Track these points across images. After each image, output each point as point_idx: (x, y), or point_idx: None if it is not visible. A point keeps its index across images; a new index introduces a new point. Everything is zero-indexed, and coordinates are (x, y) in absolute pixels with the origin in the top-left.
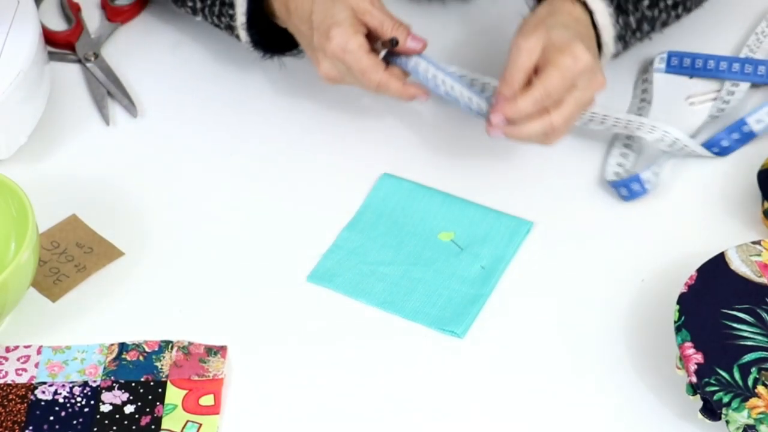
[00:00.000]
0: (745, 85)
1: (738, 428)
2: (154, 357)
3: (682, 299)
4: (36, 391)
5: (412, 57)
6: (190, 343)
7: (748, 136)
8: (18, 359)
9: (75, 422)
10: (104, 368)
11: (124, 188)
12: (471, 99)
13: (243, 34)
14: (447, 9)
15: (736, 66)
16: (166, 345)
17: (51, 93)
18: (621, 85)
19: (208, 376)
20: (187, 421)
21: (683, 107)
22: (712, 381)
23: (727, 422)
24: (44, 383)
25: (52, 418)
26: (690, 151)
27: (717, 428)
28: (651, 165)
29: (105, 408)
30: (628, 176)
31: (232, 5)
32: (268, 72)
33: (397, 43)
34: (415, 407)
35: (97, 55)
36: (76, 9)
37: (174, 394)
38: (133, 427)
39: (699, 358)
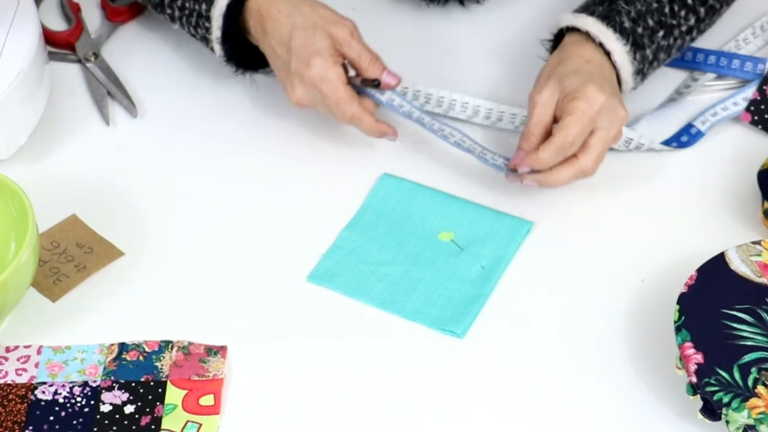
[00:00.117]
0: (706, 77)
1: (738, 428)
2: (154, 357)
3: (682, 299)
4: (36, 391)
5: (386, 91)
6: (190, 343)
7: (696, 137)
8: (18, 359)
9: (75, 422)
10: (104, 368)
11: (124, 188)
12: (443, 130)
13: (217, 47)
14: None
15: (712, 59)
16: (166, 345)
17: (51, 93)
18: None
19: (208, 376)
20: (187, 421)
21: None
22: (712, 381)
23: (727, 422)
24: (44, 383)
25: (52, 418)
26: (647, 149)
27: (717, 428)
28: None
29: (105, 408)
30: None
31: (208, 18)
32: (268, 72)
33: (379, 84)
34: (415, 407)
35: (97, 55)
36: (76, 9)
37: (174, 394)
38: (133, 427)
39: (699, 358)
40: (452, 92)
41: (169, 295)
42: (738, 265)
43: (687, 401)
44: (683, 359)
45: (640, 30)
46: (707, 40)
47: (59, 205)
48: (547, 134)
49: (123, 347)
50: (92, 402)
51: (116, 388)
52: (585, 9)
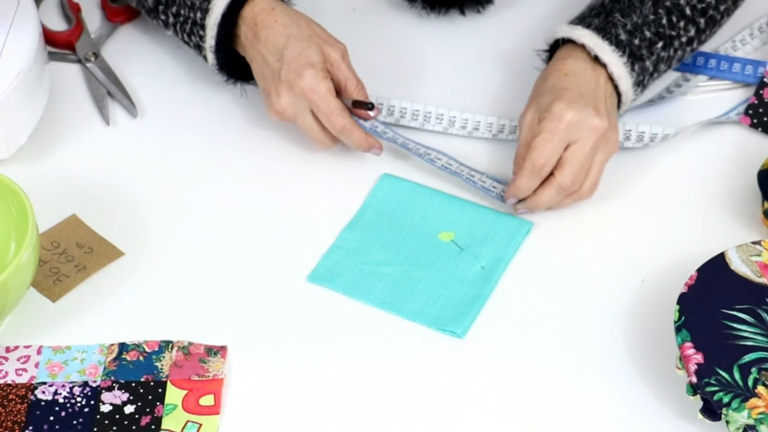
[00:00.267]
0: (699, 78)
1: (738, 428)
2: (154, 357)
3: (682, 299)
4: (36, 391)
5: (368, 121)
6: (190, 343)
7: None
8: (18, 359)
9: (75, 422)
10: (104, 368)
11: (124, 188)
12: (429, 154)
13: (210, 56)
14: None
15: (712, 62)
16: (166, 345)
17: (51, 93)
18: None
19: (208, 376)
20: (187, 421)
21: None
22: (712, 381)
23: (727, 422)
24: (44, 383)
25: (52, 418)
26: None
27: (717, 428)
28: None
29: (105, 408)
30: None
31: (203, 27)
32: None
33: (372, 107)
34: (415, 407)
35: (97, 55)
36: (76, 9)
37: (174, 394)
38: (133, 427)
39: (699, 358)
40: (426, 105)
41: (169, 295)
42: (738, 265)
43: (687, 401)
44: (683, 359)
45: (637, 42)
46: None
47: (59, 205)
48: None
49: (123, 347)
50: (92, 402)
51: (116, 388)
52: (581, 21)
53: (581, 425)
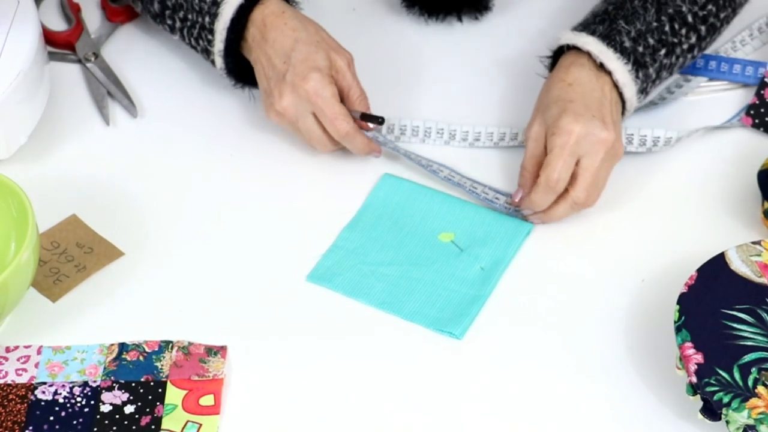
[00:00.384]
0: (698, 80)
1: (738, 428)
2: (154, 357)
3: (682, 299)
4: (36, 391)
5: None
6: (190, 343)
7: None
8: (18, 359)
9: (75, 422)
10: (104, 368)
11: (124, 188)
12: (431, 165)
13: (219, 60)
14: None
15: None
16: (166, 345)
17: (51, 93)
18: None
19: (208, 376)
20: (187, 421)
21: None
22: (712, 381)
23: (727, 422)
24: (44, 383)
25: (52, 418)
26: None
27: (717, 428)
28: None
29: (105, 408)
30: None
31: (211, 31)
32: None
33: (383, 121)
34: (415, 407)
35: (97, 55)
36: (76, 9)
37: (174, 394)
38: (133, 427)
39: (699, 358)
40: (426, 121)
41: (169, 295)
42: (738, 265)
43: (687, 401)
44: (683, 359)
45: (641, 49)
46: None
47: (59, 205)
48: (540, 167)
49: (123, 347)
50: (92, 402)
51: (116, 388)
52: (585, 27)
53: (581, 425)
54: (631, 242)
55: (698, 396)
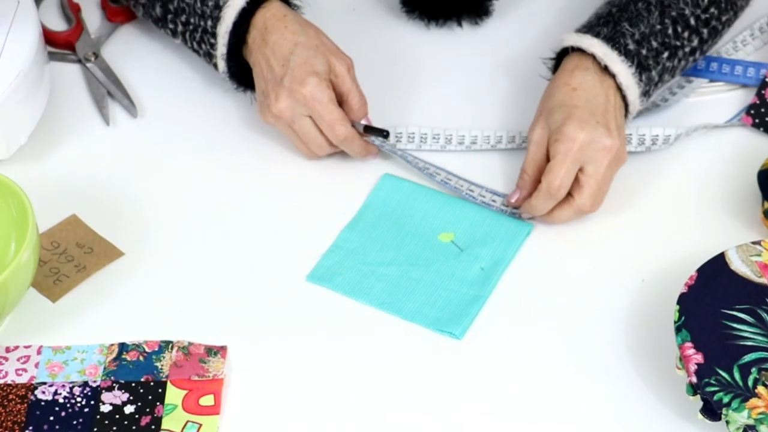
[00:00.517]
0: (699, 81)
1: (738, 428)
2: (154, 357)
3: (682, 299)
4: (36, 392)
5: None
6: (190, 343)
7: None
8: (18, 359)
9: (75, 422)
10: (104, 368)
11: (124, 188)
12: (428, 168)
13: (221, 64)
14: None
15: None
16: (166, 345)
17: (51, 93)
18: None
19: (208, 376)
20: (187, 422)
21: None
22: (712, 381)
23: (727, 422)
24: (44, 383)
25: (52, 418)
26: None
27: (717, 428)
28: None
29: (105, 408)
30: None
31: (214, 35)
32: None
33: (387, 135)
34: (414, 407)
35: (97, 55)
36: (76, 9)
37: (174, 395)
38: (133, 428)
39: (699, 358)
40: (421, 127)
41: (169, 295)
42: (738, 265)
43: (687, 401)
44: (683, 359)
45: (644, 52)
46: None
47: (59, 205)
48: (542, 171)
49: (123, 347)
50: (92, 402)
51: (116, 388)
52: (589, 29)
53: (581, 425)
54: (631, 242)
55: (698, 396)
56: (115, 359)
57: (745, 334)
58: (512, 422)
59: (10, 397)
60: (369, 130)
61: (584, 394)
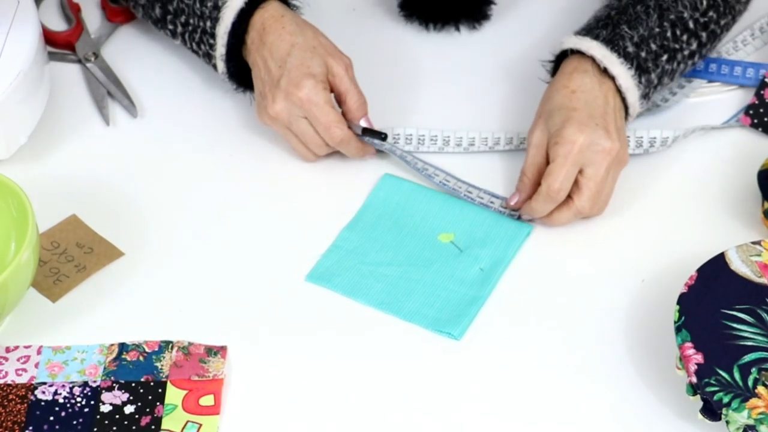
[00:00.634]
0: (699, 82)
1: (738, 428)
2: (154, 357)
3: (682, 299)
4: (36, 392)
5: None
6: (190, 344)
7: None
8: (18, 359)
9: (75, 422)
10: (104, 368)
11: (124, 188)
12: (427, 170)
13: (221, 65)
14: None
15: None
16: (166, 345)
17: (51, 93)
18: None
19: (208, 376)
20: (187, 422)
21: None
22: (712, 381)
23: (727, 422)
24: (44, 383)
25: (52, 418)
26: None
27: (717, 428)
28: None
29: (105, 408)
30: None
31: (213, 35)
32: None
33: (386, 137)
34: (413, 408)
35: (97, 55)
36: (76, 9)
37: (174, 395)
38: (133, 428)
39: (699, 358)
40: (419, 129)
41: (169, 295)
42: (738, 265)
43: (687, 401)
44: (683, 359)
45: (643, 54)
46: None
47: (59, 205)
48: (541, 174)
49: (123, 347)
50: (92, 402)
51: (116, 389)
52: (589, 32)
53: (581, 425)
54: (631, 242)
55: (698, 396)
56: (115, 359)
57: (745, 334)
58: (512, 422)
59: (10, 397)
60: (367, 132)
61: (584, 394)
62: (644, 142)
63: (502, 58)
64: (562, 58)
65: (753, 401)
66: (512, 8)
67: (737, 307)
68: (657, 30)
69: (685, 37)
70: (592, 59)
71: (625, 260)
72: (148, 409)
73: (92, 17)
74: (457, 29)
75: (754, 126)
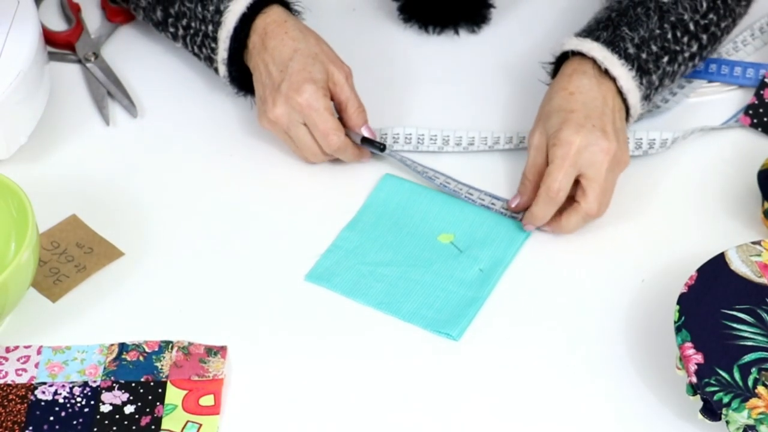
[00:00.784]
0: (699, 82)
1: (738, 428)
2: (154, 357)
3: (682, 299)
4: (36, 392)
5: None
6: (190, 344)
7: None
8: (18, 359)
9: (75, 422)
10: (104, 368)
11: (124, 188)
12: (427, 172)
13: (222, 68)
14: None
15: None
16: (166, 345)
17: (51, 93)
18: None
19: (208, 376)
20: (187, 422)
21: None
22: (712, 381)
23: (727, 422)
24: (44, 383)
25: (52, 418)
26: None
27: (717, 428)
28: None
29: (105, 408)
30: None
31: (215, 39)
32: None
33: (384, 148)
34: (412, 408)
35: (97, 55)
36: (76, 9)
37: (174, 395)
38: (133, 428)
39: (699, 358)
40: (418, 128)
41: (169, 295)
42: (738, 265)
43: (687, 401)
44: (683, 359)
45: (644, 56)
46: None
47: (59, 205)
48: (542, 176)
49: (123, 347)
50: (92, 402)
51: (116, 389)
52: (589, 33)
53: (581, 425)
54: (631, 242)
55: (698, 396)
56: (115, 359)
57: (745, 334)
58: (511, 422)
59: (10, 397)
60: (366, 142)
61: (584, 394)
62: (644, 143)
63: (501, 59)
64: (562, 59)
65: (753, 401)
66: (512, 10)
67: (737, 307)
68: (657, 32)
69: (685, 39)
70: (593, 61)
71: (625, 260)
72: (148, 409)
73: (92, 17)
74: (456, 33)
75: (753, 126)
